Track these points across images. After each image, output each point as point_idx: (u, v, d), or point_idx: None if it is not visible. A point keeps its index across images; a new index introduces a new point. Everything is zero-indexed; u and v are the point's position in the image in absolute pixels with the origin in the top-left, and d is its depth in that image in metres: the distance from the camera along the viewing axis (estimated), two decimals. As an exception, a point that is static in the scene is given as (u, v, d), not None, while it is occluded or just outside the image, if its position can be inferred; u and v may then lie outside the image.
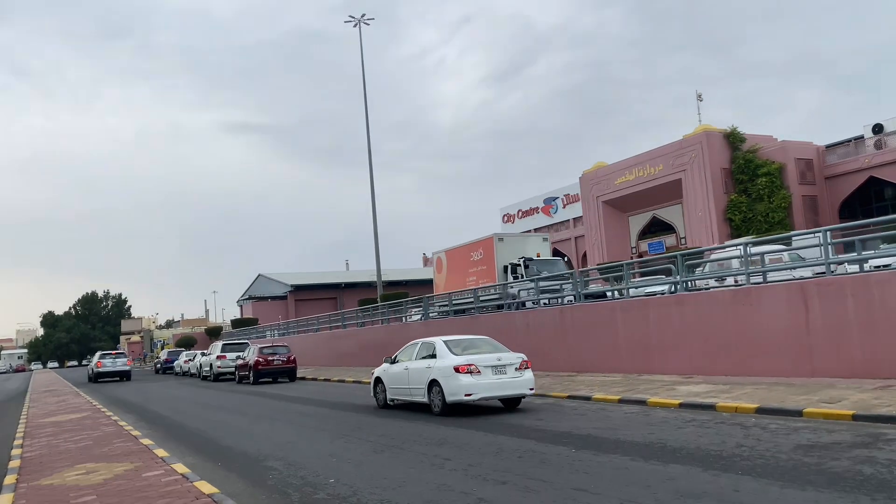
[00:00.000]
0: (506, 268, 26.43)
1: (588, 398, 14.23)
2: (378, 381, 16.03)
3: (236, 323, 66.97)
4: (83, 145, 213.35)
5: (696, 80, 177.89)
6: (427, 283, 72.87)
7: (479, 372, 13.15)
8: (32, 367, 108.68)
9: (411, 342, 15.74)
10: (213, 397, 22.63)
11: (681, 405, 12.17)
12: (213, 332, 70.13)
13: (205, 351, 37.63)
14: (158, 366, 50.25)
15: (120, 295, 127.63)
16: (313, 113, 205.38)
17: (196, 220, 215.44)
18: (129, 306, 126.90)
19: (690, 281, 17.06)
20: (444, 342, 14.26)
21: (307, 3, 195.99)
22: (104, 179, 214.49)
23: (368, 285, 71.06)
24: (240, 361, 30.38)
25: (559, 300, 21.75)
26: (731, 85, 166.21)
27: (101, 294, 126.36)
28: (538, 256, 27.07)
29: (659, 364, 16.45)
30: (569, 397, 14.73)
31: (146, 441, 11.46)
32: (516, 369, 13.60)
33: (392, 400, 15.53)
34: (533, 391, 13.88)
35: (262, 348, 28.92)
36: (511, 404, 14.07)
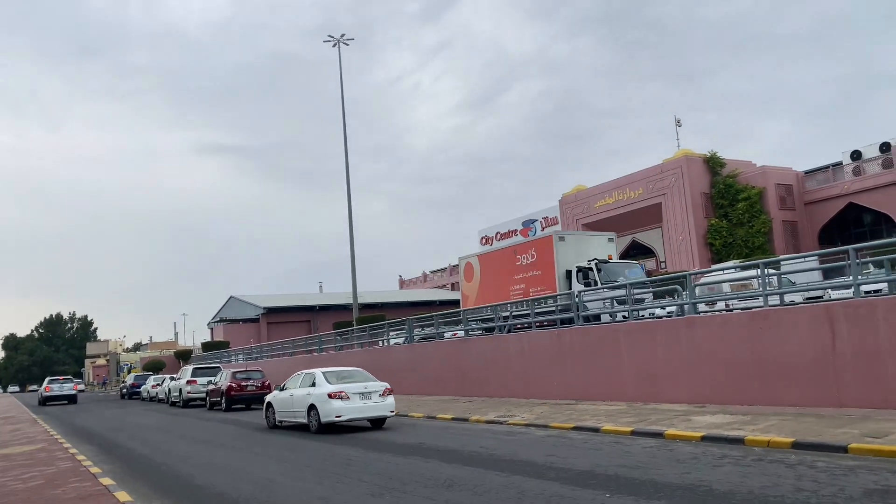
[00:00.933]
0: (569, 272, 22.43)
1: (596, 429, 13.09)
2: (269, 405, 18.72)
3: (207, 346, 64.84)
4: (53, 164, 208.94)
5: (666, 109, 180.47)
6: (404, 306, 71.75)
7: (348, 398, 15.91)
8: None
9: (296, 374, 18.39)
10: (183, 426, 21.05)
11: (703, 438, 11.09)
12: (183, 356, 67.86)
13: (174, 375, 35.82)
14: (124, 391, 47.99)
15: (86, 317, 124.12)
16: (287, 136, 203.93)
17: (167, 242, 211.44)
18: (95, 328, 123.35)
19: (701, 302, 16.09)
20: (323, 373, 16.99)
21: (283, 26, 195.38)
22: (73, 199, 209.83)
23: (344, 308, 69.39)
24: (211, 387, 28.73)
25: (638, 313, 17.88)
26: (701, 114, 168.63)
27: (65, 316, 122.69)
28: (610, 259, 23.18)
29: (667, 392, 15.39)
30: (575, 428, 13.56)
31: (106, 480, 10.03)
32: (380, 395, 16.44)
33: (280, 421, 18.17)
34: (394, 413, 16.78)
35: (234, 373, 27.37)
36: (377, 424, 16.82)
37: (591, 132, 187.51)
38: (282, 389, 18.42)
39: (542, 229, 79.89)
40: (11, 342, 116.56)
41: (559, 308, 20.61)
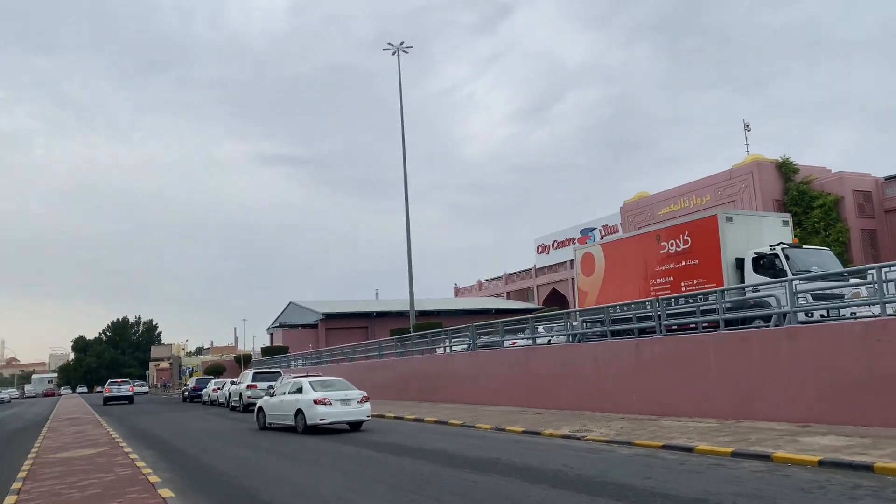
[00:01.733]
0: (740, 261, 18.06)
1: (689, 449, 11.85)
2: (260, 409, 21.47)
3: (267, 351, 65.27)
4: (121, 174, 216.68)
5: (726, 117, 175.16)
6: (459, 315, 70.81)
7: (331, 404, 18.37)
8: (62, 391, 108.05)
9: (284, 382, 21.46)
10: (244, 432, 20.57)
11: (821, 463, 9.76)
12: (243, 360, 68.49)
13: (234, 379, 35.75)
14: (186, 394, 48.38)
15: (151, 321, 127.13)
16: (343, 146, 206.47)
17: (228, 249, 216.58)
18: (160, 332, 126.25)
19: (811, 311, 14.62)
20: (310, 382, 19.51)
21: (339, 38, 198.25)
22: (141, 207, 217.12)
23: (400, 315, 69.05)
24: (272, 391, 28.34)
25: (837, 312, 14.83)
26: (763, 122, 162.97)
27: (132, 319, 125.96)
28: (796, 244, 18.40)
29: (762, 409, 14.00)
30: (664, 447, 12.35)
31: (165, 492, 9.38)
32: (358, 402, 18.89)
33: (269, 423, 20.73)
34: (370, 418, 19.25)
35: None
36: (355, 427, 19.17)
37: (648, 141, 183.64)
38: (272, 395, 21.34)
39: (601, 237, 78.11)
40: (81, 344, 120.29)
41: (727, 305, 16.45)
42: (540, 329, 24.92)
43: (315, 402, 18.44)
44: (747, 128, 59.52)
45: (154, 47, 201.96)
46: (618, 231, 74.22)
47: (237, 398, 32.28)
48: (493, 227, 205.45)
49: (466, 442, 14.99)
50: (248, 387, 31.00)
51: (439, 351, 30.17)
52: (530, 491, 8.87)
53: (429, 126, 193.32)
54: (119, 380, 53.73)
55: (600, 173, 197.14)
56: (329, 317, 72.96)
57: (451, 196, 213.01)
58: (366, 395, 19.36)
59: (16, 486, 10.80)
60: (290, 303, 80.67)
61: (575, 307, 76.22)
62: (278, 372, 32.50)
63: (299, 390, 19.43)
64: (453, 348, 29.11)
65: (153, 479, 10.57)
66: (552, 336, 22.66)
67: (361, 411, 18.82)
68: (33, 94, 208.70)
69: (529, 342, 22.34)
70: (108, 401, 47.31)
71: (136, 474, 11.21)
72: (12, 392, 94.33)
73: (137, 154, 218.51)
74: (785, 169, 47.12)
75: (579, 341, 20.18)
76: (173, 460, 14.03)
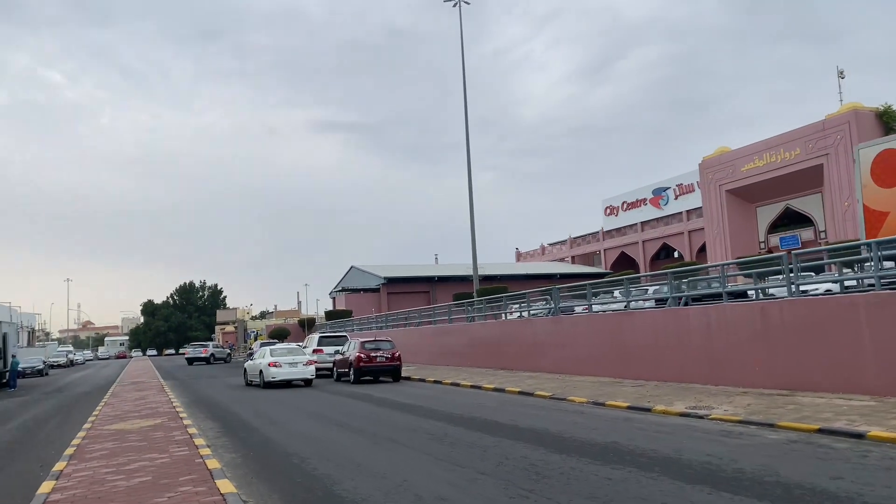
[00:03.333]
0: None
1: (858, 435, 9.50)
2: (244, 370, 27.61)
3: (330, 315, 64.62)
4: (183, 142, 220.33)
5: (796, 73, 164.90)
6: (522, 279, 68.57)
7: (280, 366, 23.96)
8: (132, 354, 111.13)
9: (259, 349, 29.31)
10: (312, 400, 19.08)
11: None
12: (307, 324, 68.16)
13: (300, 343, 34.64)
14: (250, 358, 47.95)
15: (216, 285, 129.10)
16: (399, 110, 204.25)
17: (288, 215, 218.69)
18: (225, 297, 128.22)
19: None
20: (270, 349, 25.66)
21: (393, 1, 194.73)
22: (202, 176, 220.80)
23: (461, 279, 67.50)
24: (338, 357, 26.98)
25: None
26: (835, 79, 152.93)
27: (197, 284, 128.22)
28: None
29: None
30: (820, 431, 10.03)
31: (224, 485, 7.63)
32: (304, 365, 24.43)
33: (250, 381, 26.25)
34: (314, 377, 24.77)
35: (363, 343, 25.33)
36: (308, 383, 24.65)
37: (713, 99, 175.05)
38: (252, 358, 28.44)
39: (676, 197, 74.22)
40: (149, 308, 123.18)
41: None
42: (633, 292, 22.63)
43: (269, 364, 24.20)
44: (841, 74, 54.84)
45: (210, 13, 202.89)
46: (694, 190, 70.25)
47: (303, 363, 31.10)
48: (552, 191, 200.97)
49: (565, 419, 12.96)
50: (314, 351, 29.73)
51: (511, 316, 28.20)
52: (692, 496, 6.77)
53: (484, 88, 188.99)
54: (196, 342, 67.15)
55: (663, 134, 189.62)
56: (391, 281, 71.92)
57: (507, 160, 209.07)
58: (312, 358, 25.82)
59: (59, 466, 9.34)
60: (352, 267, 79.98)
61: (644, 270, 72.79)
62: (345, 336, 31.14)
63: (263, 356, 25.32)
64: (523, 313, 27.09)
65: (212, 464, 8.90)
66: (641, 299, 20.28)
67: (306, 371, 24.49)
68: (98, 66, 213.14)
69: (623, 306, 20.01)
70: (191, 361, 55.56)
71: (193, 456, 9.59)
72: (87, 354, 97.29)
73: (197, 122, 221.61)
74: (887, 118, 42.86)
75: (685, 304, 17.77)
76: (236, 435, 12.47)
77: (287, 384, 24.41)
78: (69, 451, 10.79)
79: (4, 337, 35.63)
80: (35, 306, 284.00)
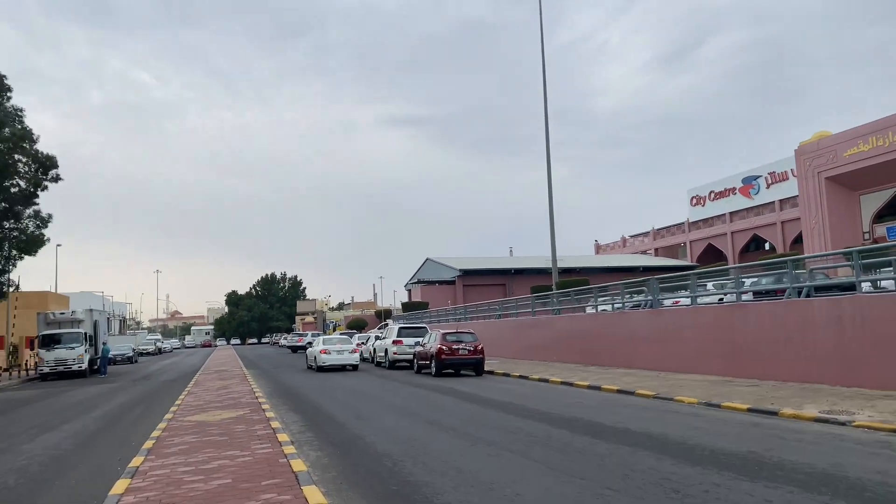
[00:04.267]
0: None
1: None
2: (305, 356, 33.53)
3: (407, 306, 64.23)
4: (263, 139, 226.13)
5: (891, 57, 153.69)
6: (602, 272, 66.17)
7: (330, 353, 28.48)
8: (217, 342, 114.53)
9: (316, 338, 34.18)
10: (396, 393, 18.23)
11: None
12: (384, 315, 68.08)
13: (379, 333, 34.12)
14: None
15: (296, 276, 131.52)
16: (473, 103, 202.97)
17: (364, 209, 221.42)
18: (304, 288, 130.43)
19: None
20: (322, 339, 30.95)
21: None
22: (282, 171, 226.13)
23: (539, 272, 65.91)
24: (419, 348, 26.13)
25: None
26: None
27: (278, 276, 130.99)
28: None
29: None
30: None
31: (313, 495, 6.67)
32: (350, 352, 28.76)
33: (309, 366, 30.67)
34: (358, 364, 29.44)
35: (445, 335, 24.36)
36: (354, 368, 28.90)
37: (802, 86, 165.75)
38: (311, 347, 31.82)
39: (768, 186, 70.16)
40: (233, 299, 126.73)
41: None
42: (747, 283, 20.77)
43: (321, 352, 28.84)
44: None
45: (290, 10, 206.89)
46: (788, 178, 66.18)
47: (382, 354, 30.48)
48: (630, 183, 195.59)
49: (680, 422, 11.53)
50: (394, 342, 29.04)
51: (601, 309, 26.67)
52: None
53: (560, 79, 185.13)
54: (296, 332, 78.09)
55: (748, 123, 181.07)
56: (466, 273, 71.04)
57: (584, 151, 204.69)
58: (356, 347, 30.59)
59: (135, 462, 8.68)
60: (427, 259, 79.53)
61: (733, 263, 69.34)
62: (424, 327, 30.30)
63: (317, 345, 30.19)
64: (616, 306, 25.56)
65: (297, 465, 8.00)
66: (752, 290, 18.40)
67: (352, 358, 28.81)
68: (185, 66, 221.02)
69: (733, 297, 18.20)
70: (294, 349, 58.85)
71: (277, 455, 8.73)
72: (174, 342, 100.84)
73: (278, 119, 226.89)
74: None
75: (807, 295, 15.91)
76: (321, 430, 11.64)
77: (334, 368, 28.69)
78: (148, 443, 10.19)
79: (96, 325, 36.61)
80: (127, 296, 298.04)
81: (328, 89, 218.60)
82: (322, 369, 28.27)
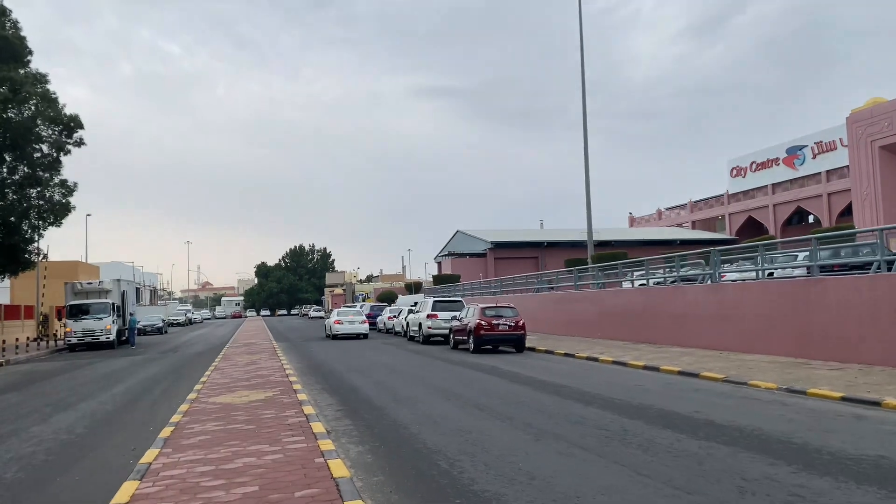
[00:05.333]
0: None
1: None
2: (323, 326, 39.56)
3: (438, 279, 62.97)
4: (291, 110, 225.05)
5: None
6: (637, 245, 63.97)
7: (342, 323, 32.99)
8: (247, 314, 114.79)
9: (333, 311, 39.85)
10: (435, 372, 16.95)
11: None
12: (413, 288, 66.98)
13: (412, 307, 32.93)
14: (361, 321, 46.82)
15: (325, 249, 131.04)
16: (503, 74, 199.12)
17: (393, 181, 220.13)
18: (333, 260, 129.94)
19: None
20: (337, 311, 35.69)
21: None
22: (310, 142, 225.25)
23: (572, 245, 64.11)
24: (455, 323, 24.82)
25: None
26: None
27: (307, 248, 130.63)
28: None
29: None
30: None
31: (358, 509, 5.37)
32: (360, 323, 33.28)
33: (326, 335, 34.75)
34: (367, 333, 33.77)
35: (484, 309, 22.97)
36: (363, 337, 33.12)
37: (840, 55, 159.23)
38: (328, 317, 37.57)
39: (814, 157, 67.15)
40: (263, 270, 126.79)
41: None
42: (799, 257, 19.02)
43: (335, 322, 33.33)
44: None
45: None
46: (836, 148, 63.19)
47: (416, 328, 29.25)
48: (662, 155, 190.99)
49: (768, 412, 10.02)
50: (429, 316, 27.77)
51: (626, 284, 25.13)
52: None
53: (590, 49, 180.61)
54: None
55: (783, 93, 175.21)
56: (498, 246, 69.45)
57: (615, 122, 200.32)
58: (365, 318, 34.53)
59: (148, 457, 7.45)
60: (458, 231, 78.04)
61: (776, 236, 66.80)
62: (460, 301, 28.96)
63: (331, 316, 35.41)
64: (638, 283, 24.07)
65: (337, 468, 6.64)
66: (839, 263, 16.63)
67: (363, 328, 33.20)
68: (213, 37, 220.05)
69: (805, 271, 16.48)
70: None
71: (312, 452, 7.43)
72: (205, 313, 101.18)
73: (305, 90, 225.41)
74: None
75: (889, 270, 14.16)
76: (359, 417, 10.35)
77: (348, 336, 32.87)
78: (166, 431, 8.98)
79: (124, 295, 35.94)
80: (158, 267, 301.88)
81: (357, 59, 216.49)
82: (336, 337, 32.84)
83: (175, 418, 10.06)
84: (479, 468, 6.92)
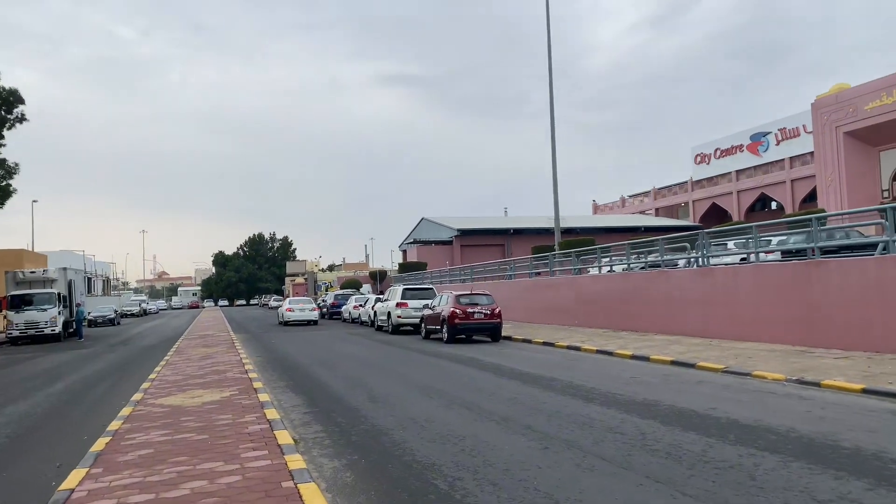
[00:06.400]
0: None
1: None
2: (278, 314, 39.62)
3: (404, 267, 61.51)
4: (250, 97, 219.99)
5: (883, 21, 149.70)
6: (601, 232, 63.26)
7: (293, 311, 35.76)
8: (204, 304, 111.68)
9: (288, 299, 43.48)
10: (410, 363, 15.64)
11: None
12: (379, 276, 65.41)
13: (380, 296, 31.49)
14: (324, 310, 45.10)
15: (286, 237, 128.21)
16: (465, 63, 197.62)
17: (354, 169, 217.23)
18: (294, 249, 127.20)
19: None
20: (289, 300, 39.37)
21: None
22: (269, 130, 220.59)
23: (538, 232, 63.41)
24: (427, 311, 23.50)
25: None
26: None
27: (267, 236, 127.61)
28: None
29: None
30: None
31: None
32: (310, 310, 36.09)
33: (279, 322, 37.29)
34: (317, 319, 36.39)
35: (458, 297, 21.70)
36: (312, 323, 35.43)
37: (791, 47, 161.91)
38: (280, 306, 39.56)
39: (777, 143, 67.36)
40: (221, 259, 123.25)
41: None
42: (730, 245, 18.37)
43: (287, 310, 35.94)
44: None
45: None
46: (800, 135, 63.38)
47: (385, 317, 27.84)
48: (623, 143, 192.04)
49: (790, 408, 8.96)
50: (398, 305, 26.38)
51: (596, 270, 24.17)
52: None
53: (552, 37, 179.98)
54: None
55: (737, 85, 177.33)
56: (464, 233, 68.26)
57: (574, 112, 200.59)
58: (316, 305, 38.88)
59: (72, 480, 5.97)
60: (423, 219, 76.60)
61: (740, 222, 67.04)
62: (431, 289, 27.64)
63: (284, 305, 37.75)
64: (604, 270, 23.15)
65: (310, 494, 5.28)
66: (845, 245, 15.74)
67: (313, 315, 35.85)
68: (170, 21, 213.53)
69: (807, 252, 15.53)
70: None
71: (279, 471, 6.01)
72: (160, 304, 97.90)
73: (265, 77, 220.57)
74: None
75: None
76: (331, 421, 8.96)
77: (299, 323, 35.29)
78: (100, 443, 7.48)
79: (71, 284, 33.70)
80: (113, 256, 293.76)
81: (317, 46, 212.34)
82: (287, 323, 35.34)
83: (114, 425, 8.55)
84: (486, 489, 5.63)
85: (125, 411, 9.60)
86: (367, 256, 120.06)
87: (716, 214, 70.92)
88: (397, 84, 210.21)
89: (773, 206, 67.98)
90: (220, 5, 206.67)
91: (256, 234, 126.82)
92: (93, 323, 43.97)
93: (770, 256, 17.11)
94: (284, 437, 7.45)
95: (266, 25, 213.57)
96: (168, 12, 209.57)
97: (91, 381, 14.91)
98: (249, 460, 6.40)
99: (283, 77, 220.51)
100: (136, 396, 11.01)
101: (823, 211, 43.34)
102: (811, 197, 57.91)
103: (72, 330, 32.25)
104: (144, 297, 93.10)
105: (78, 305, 33.86)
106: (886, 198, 47.81)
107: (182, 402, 10.06)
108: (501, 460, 6.56)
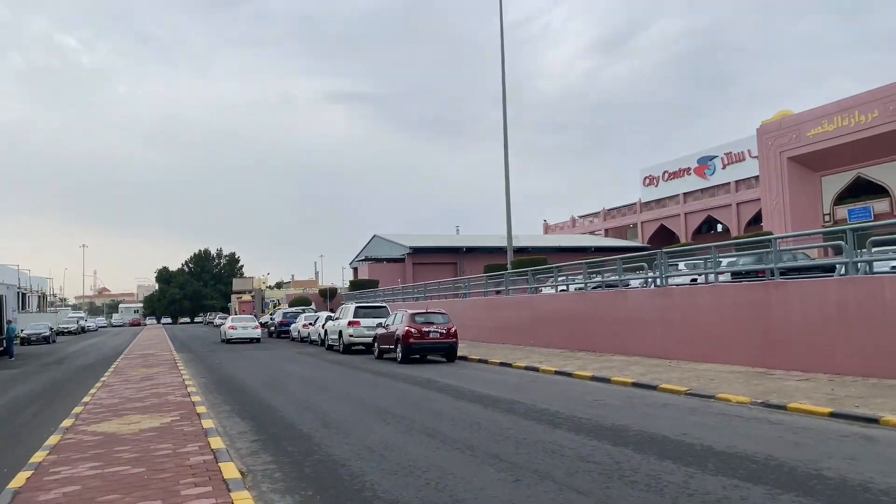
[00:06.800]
0: None
1: None
2: (220, 332, 40.00)
3: (356, 284, 60.51)
4: (199, 111, 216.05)
5: (822, 49, 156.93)
6: (553, 252, 63.80)
7: (236, 329, 36.06)
8: (147, 321, 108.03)
9: (230, 317, 43.63)
10: (365, 386, 14.96)
11: None
12: (329, 294, 64.23)
13: (331, 314, 30.61)
14: (272, 329, 43.82)
15: (233, 254, 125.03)
16: (417, 82, 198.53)
17: (303, 186, 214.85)
18: (241, 266, 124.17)
19: None
20: (231, 318, 40.09)
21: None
22: (217, 144, 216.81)
23: (490, 251, 63.58)
24: (381, 331, 22.83)
25: None
26: (864, 55, 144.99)
27: (213, 252, 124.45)
28: None
29: None
30: None
31: None
32: (253, 328, 36.62)
33: (221, 339, 37.86)
34: (259, 337, 36.67)
35: (413, 315, 21.13)
36: (256, 341, 35.90)
37: (737, 75, 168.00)
38: (224, 324, 39.20)
39: (724, 167, 69.16)
40: (164, 276, 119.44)
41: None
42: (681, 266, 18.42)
43: (229, 327, 36.41)
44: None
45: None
46: (745, 159, 65.13)
47: (336, 336, 27.01)
48: (572, 166, 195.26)
49: (762, 434, 8.68)
50: (350, 324, 25.62)
51: (552, 289, 23.94)
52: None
53: (499, 61, 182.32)
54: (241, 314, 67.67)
55: (685, 110, 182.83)
56: (416, 251, 67.86)
57: (524, 134, 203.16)
58: (259, 324, 38.95)
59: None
60: (375, 236, 75.87)
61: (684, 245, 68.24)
62: (384, 307, 26.96)
63: (226, 322, 38.49)
64: (549, 289, 22.96)
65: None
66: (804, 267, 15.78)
67: (255, 333, 36.37)
68: (116, 31, 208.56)
69: (768, 274, 15.49)
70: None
71: (223, 512, 5.38)
72: (100, 321, 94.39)
73: (214, 90, 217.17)
74: None
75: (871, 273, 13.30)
76: (282, 450, 8.27)
77: (241, 341, 35.40)
78: (20, 478, 6.63)
79: (1, 300, 31.83)
80: (50, 271, 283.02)
81: (268, 61, 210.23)
82: (230, 341, 35.47)
83: (38, 456, 7.70)
84: (457, 530, 5.08)
85: (52, 440, 8.72)
86: (316, 274, 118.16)
87: (664, 236, 72.21)
88: (349, 101, 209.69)
89: (719, 228, 69.59)
90: (166, 16, 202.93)
91: (202, 249, 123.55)
92: (26, 341, 41.77)
93: (721, 277, 17.08)
94: (230, 469, 6.75)
95: (214, 38, 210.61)
96: (113, 22, 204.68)
97: (19, 405, 13.79)
98: (190, 498, 5.71)
99: (233, 91, 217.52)
100: (67, 423, 10.08)
101: (771, 233, 44.36)
102: (756, 220, 59.45)
103: (1, 349, 30.40)
104: (83, 314, 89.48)
105: (9, 322, 31.96)
106: (828, 221, 49.33)
107: (117, 429, 9.20)
108: (471, 495, 6.02)
